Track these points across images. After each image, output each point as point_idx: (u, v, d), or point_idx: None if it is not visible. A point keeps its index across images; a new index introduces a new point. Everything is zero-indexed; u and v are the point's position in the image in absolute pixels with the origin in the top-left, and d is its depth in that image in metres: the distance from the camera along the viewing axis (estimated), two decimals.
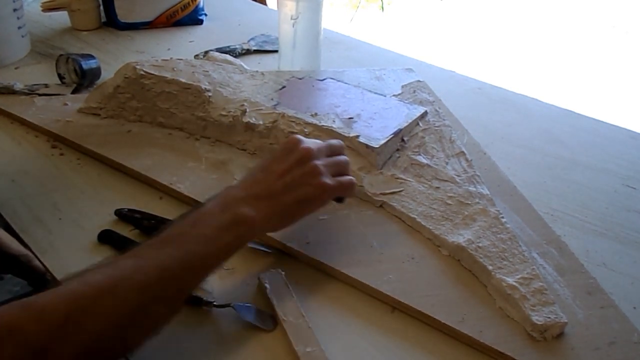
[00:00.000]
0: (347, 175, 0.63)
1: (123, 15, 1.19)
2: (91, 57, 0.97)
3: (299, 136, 0.61)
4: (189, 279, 0.51)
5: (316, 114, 0.79)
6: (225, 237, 0.53)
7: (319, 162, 0.60)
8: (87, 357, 0.44)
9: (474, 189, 0.73)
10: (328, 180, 0.59)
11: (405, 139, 0.81)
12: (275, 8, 0.98)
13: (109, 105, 0.86)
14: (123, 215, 0.69)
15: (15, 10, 1.01)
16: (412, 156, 0.78)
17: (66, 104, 0.89)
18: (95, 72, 0.96)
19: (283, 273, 0.62)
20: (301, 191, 0.58)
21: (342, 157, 0.64)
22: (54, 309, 0.43)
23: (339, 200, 0.65)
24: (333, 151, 0.63)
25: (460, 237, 0.65)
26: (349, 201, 0.72)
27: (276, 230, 0.61)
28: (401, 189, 0.73)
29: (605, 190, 0.80)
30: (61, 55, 0.96)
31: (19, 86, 0.93)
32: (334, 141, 0.65)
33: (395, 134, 0.78)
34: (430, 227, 0.67)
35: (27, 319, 0.42)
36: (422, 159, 0.78)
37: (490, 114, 0.96)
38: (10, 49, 1.04)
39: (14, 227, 0.68)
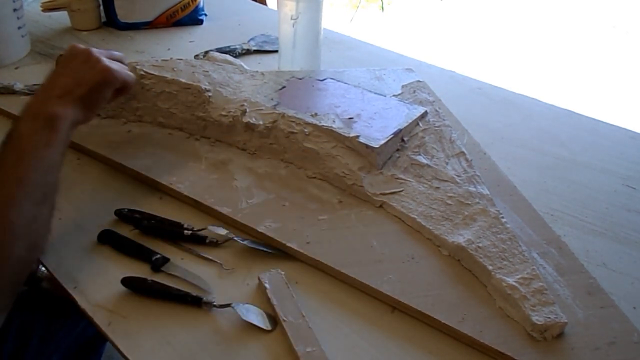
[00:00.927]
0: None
1: (123, 15, 1.19)
2: None
3: (76, 44, 0.68)
4: (52, 180, 0.60)
5: (316, 114, 0.79)
6: (54, 135, 0.60)
7: (99, 54, 0.67)
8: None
9: (474, 189, 0.73)
10: (110, 64, 0.67)
11: (405, 139, 0.81)
12: (275, 8, 0.98)
13: (109, 105, 0.85)
14: (123, 216, 0.69)
15: (15, 10, 1.01)
16: (412, 156, 0.78)
17: None
18: None
19: (283, 273, 0.62)
20: (92, 78, 0.65)
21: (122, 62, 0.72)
22: None
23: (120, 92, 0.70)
24: (112, 57, 0.70)
25: (460, 237, 0.65)
26: (349, 201, 0.73)
27: (89, 119, 0.66)
28: (401, 189, 0.73)
29: (605, 190, 0.80)
30: (61, 55, 0.95)
31: (19, 86, 0.93)
32: (115, 52, 0.72)
33: (395, 134, 0.78)
34: (430, 227, 0.67)
35: None
36: (422, 159, 0.78)
37: (490, 114, 0.96)
38: (10, 49, 1.04)
39: None
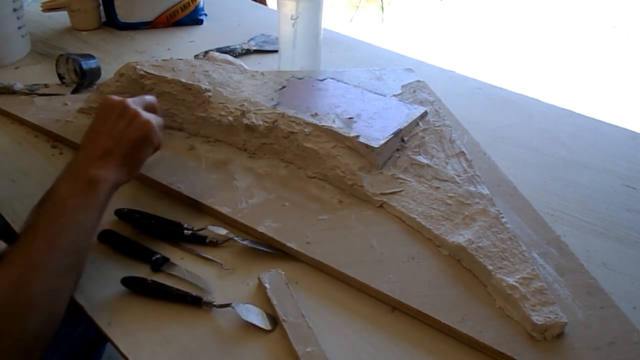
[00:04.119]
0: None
1: (123, 15, 1.19)
2: (91, 57, 0.97)
3: (110, 96, 0.65)
4: (84, 246, 0.57)
5: (316, 114, 0.79)
6: (93, 199, 0.57)
7: (137, 107, 0.65)
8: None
9: (474, 189, 0.73)
10: (149, 117, 0.65)
11: (405, 139, 0.81)
12: (275, 8, 0.98)
13: None
14: (123, 215, 0.69)
15: (15, 10, 1.01)
16: (412, 156, 0.78)
17: (66, 104, 0.89)
18: (95, 72, 0.96)
19: (283, 273, 0.62)
20: (132, 135, 0.63)
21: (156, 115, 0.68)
22: None
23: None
24: (146, 105, 0.67)
25: (460, 237, 0.65)
26: (349, 201, 0.73)
27: (130, 179, 0.64)
28: (401, 189, 0.73)
29: (605, 190, 0.80)
30: (61, 55, 0.96)
31: (19, 86, 0.93)
32: (148, 97, 0.69)
33: (395, 134, 0.78)
34: (431, 227, 0.67)
35: None
36: (422, 159, 0.78)
37: (490, 114, 0.96)
38: (10, 49, 1.04)
39: (14, 227, 0.68)
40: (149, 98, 0.69)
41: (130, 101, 0.65)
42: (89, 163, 0.60)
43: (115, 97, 0.65)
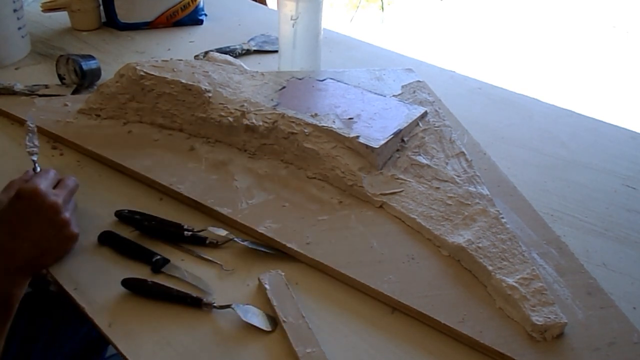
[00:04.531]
0: None
1: (123, 16, 1.19)
2: (91, 57, 0.97)
3: (39, 188, 0.60)
4: None
5: (316, 114, 0.79)
6: (5, 323, 0.57)
7: (67, 214, 0.62)
8: None
9: (474, 189, 0.73)
10: (75, 228, 0.63)
11: (405, 139, 0.81)
12: (275, 8, 0.98)
13: (109, 106, 0.86)
14: (123, 217, 0.69)
15: (15, 10, 1.01)
16: (412, 156, 0.78)
17: (66, 105, 0.89)
18: (96, 73, 0.96)
19: (283, 274, 0.62)
20: (59, 250, 0.62)
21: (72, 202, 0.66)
22: None
23: None
24: (70, 193, 0.65)
25: (460, 237, 0.65)
26: (349, 202, 0.73)
27: None
28: (401, 189, 0.73)
29: (605, 190, 0.80)
30: (61, 55, 0.96)
31: (19, 87, 0.93)
32: (71, 182, 0.66)
33: (395, 134, 0.78)
34: (430, 228, 0.67)
35: None
36: (422, 159, 0.78)
37: (490, 114, 0.96)
38: (10, 49, 1.04)
39: None
40: (71, 184, 0.65)
41: (61, 201, 0.61)
42: (7, 274, 0.57)
43: (49, 194, 0.60)
